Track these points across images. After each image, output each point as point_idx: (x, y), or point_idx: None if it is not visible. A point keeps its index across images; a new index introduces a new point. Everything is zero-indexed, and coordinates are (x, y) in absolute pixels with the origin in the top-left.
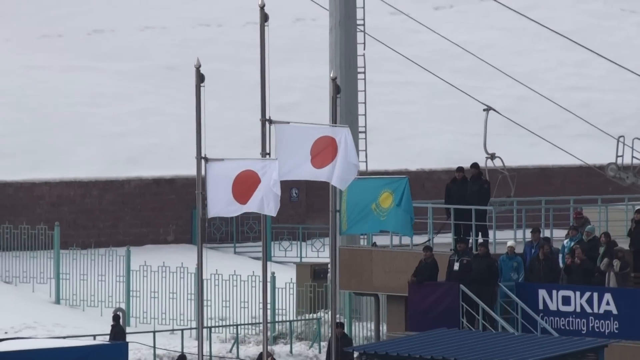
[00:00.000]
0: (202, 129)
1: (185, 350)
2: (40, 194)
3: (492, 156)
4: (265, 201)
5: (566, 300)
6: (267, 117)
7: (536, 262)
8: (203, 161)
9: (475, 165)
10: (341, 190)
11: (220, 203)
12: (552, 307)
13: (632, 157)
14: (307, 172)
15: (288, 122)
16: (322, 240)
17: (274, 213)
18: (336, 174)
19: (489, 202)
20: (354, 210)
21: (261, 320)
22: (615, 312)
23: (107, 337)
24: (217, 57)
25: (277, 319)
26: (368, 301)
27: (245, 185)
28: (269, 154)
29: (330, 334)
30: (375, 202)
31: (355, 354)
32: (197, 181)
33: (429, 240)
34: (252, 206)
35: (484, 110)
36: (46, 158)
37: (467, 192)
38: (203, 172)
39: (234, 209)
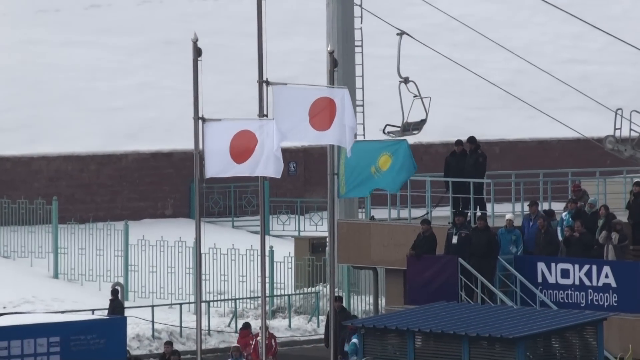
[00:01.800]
0: (199, 89)
1: (183, 325)
2: (38, 168)
3: (406, 80)
4: (266, 164)
5: (565, 273)
6: (265, 79)
7: (537, 236)
8: (200, 122)
9: (471, 140)
10: (339, 153)
11: (218, 163)
12: (551, 280)
13: (630, 129)
14: (308, 135)
15: (286, 84)
16: (321, 213)
17: (278, 175)
18: (337, 137)
19: (485, 175)
20: (353, 174)
21: (260, 294)
22: (614, 285)
23: (106, 312)
24: (214, 31)
25: (275, 293)
26: (366, 275)
27: (242, 145)
28: (267, 115)
29: (328, 308)
30: (375, 165)
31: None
32: (195, 142)
33: (427, 213)
34: (251, 169)
35: (397, 34)
36: (44, 132)
37: (465, 165)
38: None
39: (231, 170)
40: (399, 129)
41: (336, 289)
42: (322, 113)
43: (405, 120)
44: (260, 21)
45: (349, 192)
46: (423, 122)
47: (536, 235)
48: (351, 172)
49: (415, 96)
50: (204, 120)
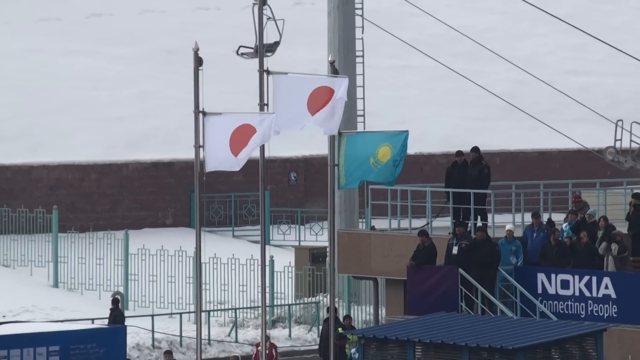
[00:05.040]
0: (199, 84)
1: (183, 334)
2: (39, 177)
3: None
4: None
5: (565, 284)
6: (265, 68)
7: (548, 248)
8: (201, 115)
9: (475, 149)
10: (340, 144)
11: (218, 157)
12: (551, 291)
13: (631, 141)
14: (305, 123)
15: (286, 73)
16: (321, 223)
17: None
18: (324, 120)
19: (489, 186)
20: (352, 165)
21: (260, 304)
22: (614, 296)
23: (106, 321)
24: (216, 41)
25: (275, 303)
26: (367, 285)
27: (242, 139)
28: (267, 105)
29: (325, 317)
30: (374, 156)
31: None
32: (195, 135)
33: (427, 224)
34: (242, 160)
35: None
36: (45, 141)
37: (467, 176)
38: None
39: (231, 164)
40: (252, 50)
41: (336, 299)
42: (322, 102)
43: (258, 42)
44: (261, 14)
45: (348, 183)
46: (277, 44)
47: (544, 247)
48: (351, 163)
49: (269, 18)
50: (204, 114)
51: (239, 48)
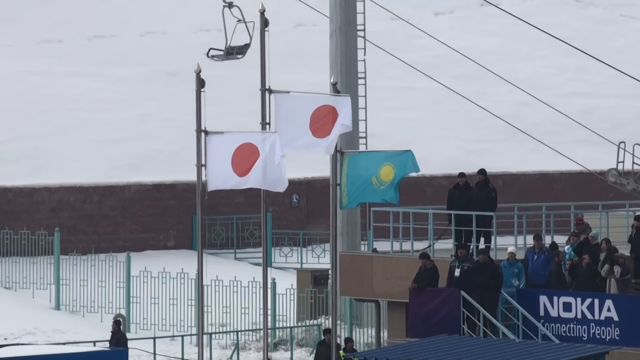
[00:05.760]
0: (202, 103)
1: (185, 357)
2: (41, 199)
3: (230, 5)
4: (269, 178)
5: (567, 307)
6: (267, 87)
7: (562, 272)
8: (203, 134)
9: (482, 172)
10: (342, 163)
11: (221, 176)
12: (553, 313)
13: (633, 163)
14: (307, 142)
15: (288, 92)
16: (323, 246)
17: (282, 188)
18: (330, 142)
19: (496, 209)
20: (355, 184)
21: (262, 327)
22: (616, 318)
23: (107, 344)
24: (217, 63)
25: (277, 325)
26: (369, 307)
27: (244, 158)
28: (269, 124)
29: (324, 339)
30: (376, 176)
31: None
32: (197, 154)
33: (428, 246)
34: (252, 181)
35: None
36: (46, 163)
37: (469, 197)
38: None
39: (233, 183)
40: (222, 52)
41: (338, 322)
42: (324, 121)
43: (228, 44)
44: (263, 32)
45: (350, 202)
46: (247, 46)
47: (555, 270)
48: (353, 182)
49: (239, 20)
50: (206, 133)
51: (209, 50)
